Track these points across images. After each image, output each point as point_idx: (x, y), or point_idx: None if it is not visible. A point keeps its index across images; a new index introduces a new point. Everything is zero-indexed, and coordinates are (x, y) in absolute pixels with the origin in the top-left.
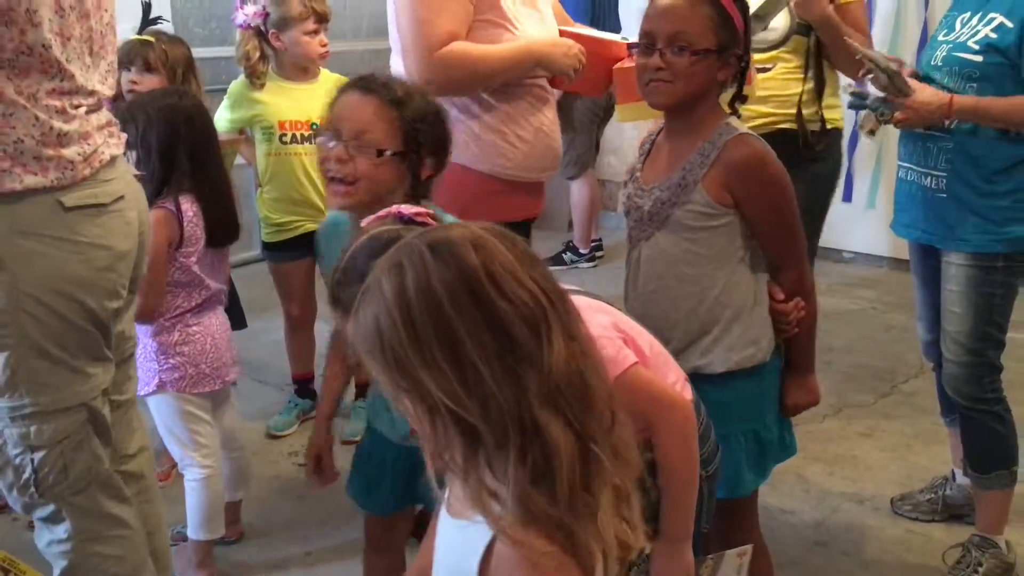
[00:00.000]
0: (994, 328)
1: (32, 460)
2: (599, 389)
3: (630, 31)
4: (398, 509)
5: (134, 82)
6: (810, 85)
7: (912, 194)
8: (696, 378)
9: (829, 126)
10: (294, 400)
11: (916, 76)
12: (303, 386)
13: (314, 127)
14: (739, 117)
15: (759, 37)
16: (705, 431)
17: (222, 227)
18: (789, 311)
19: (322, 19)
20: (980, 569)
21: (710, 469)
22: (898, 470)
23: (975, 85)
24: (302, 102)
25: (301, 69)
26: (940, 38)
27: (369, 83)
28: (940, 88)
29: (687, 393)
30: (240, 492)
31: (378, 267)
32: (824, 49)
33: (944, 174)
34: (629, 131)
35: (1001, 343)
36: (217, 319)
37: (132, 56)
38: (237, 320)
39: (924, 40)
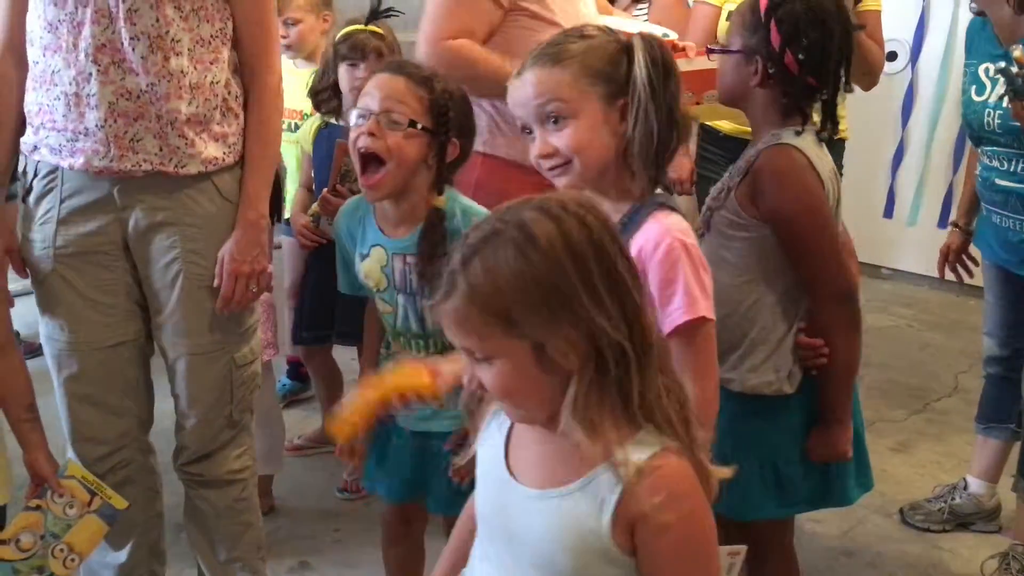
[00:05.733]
0: None
1: None
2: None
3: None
4: (409, 496)
5: (367, 79)
6: None
7: (1007, 238)
8: (722, 391)
9: (836, 136)
10: (282, 380)
11: None
12: (293, 369)
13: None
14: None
15: None
16: None
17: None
18: (804, 346)
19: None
20: None
21: None
22: (926, 486)
23: None
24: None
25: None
26: (975, 98)
27: (398, 64)
28: (1008, 152)
29: None
30: (272, 467)
31: (517, 217)
32: None
33: None
34: None
35: None
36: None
37: (365, 49)
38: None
39: None
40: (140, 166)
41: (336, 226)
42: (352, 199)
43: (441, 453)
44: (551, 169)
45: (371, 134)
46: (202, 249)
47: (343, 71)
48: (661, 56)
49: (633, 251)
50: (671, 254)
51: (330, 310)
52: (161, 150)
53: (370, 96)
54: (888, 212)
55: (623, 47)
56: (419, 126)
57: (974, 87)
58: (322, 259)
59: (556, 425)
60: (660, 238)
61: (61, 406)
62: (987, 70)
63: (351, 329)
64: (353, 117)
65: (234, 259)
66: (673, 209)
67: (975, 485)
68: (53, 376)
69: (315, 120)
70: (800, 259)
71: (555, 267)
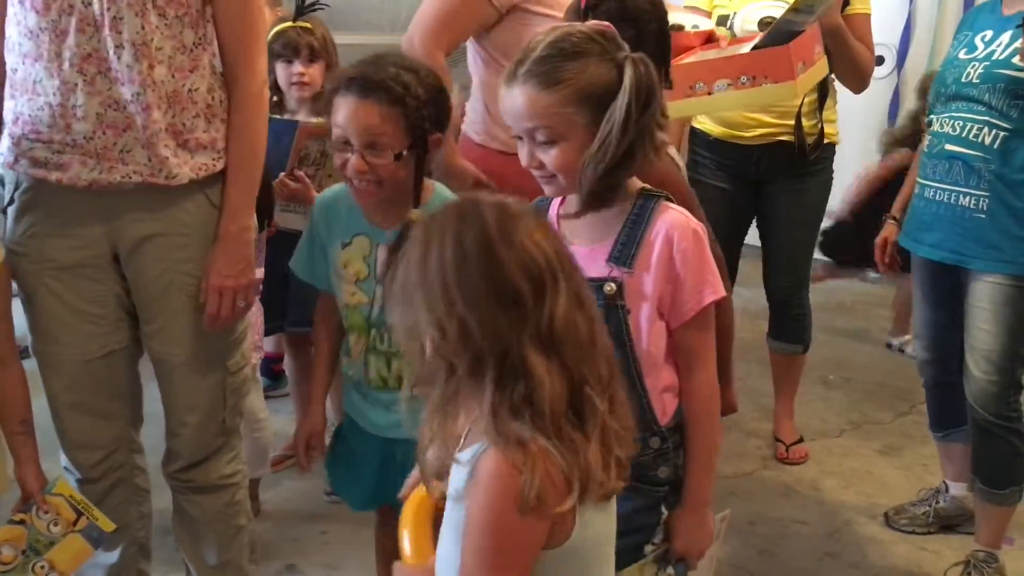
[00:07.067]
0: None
1: None
2: (602, 348)
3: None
4: (379, 504)
5: (302, 74)
6: (812, 96)
7: (939, 214)
8: None
9: (826, 140)
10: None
11: None
12: (266, 365)
13: None
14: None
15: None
16: None
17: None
18: None
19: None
20: None
21: None
22: (912, 487)
23: (1021, 102)
24: None
25: None
26: (962, 56)
27: (366, 84)
28: (981, 106)
29: None
30: (259, 470)
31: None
32: (829, 59)
33: (986, 194)
34: None
35: None
36: None
37: (298, 45)
38: None
39: None
40: (130, 178)
41: (313, 212)
42: (334, 188)
43: (408, 460)
44: (540, 177)
45: (360, 171)
46: (193, 259)
47: (279, 68)
48: (647, 83)
49: (658, 237)
50: (699, 240)
51: (282, 300)
52: (150, 160)
53: (345, 128)
54: None
55: (618, 68)
56: (404, 153)
57: (964, 49)
58: (272, 249)
59: None
60: (685, 224)
61: (53, 415)
62: (984, 36)
63: (303, 316)
64: (333, 139)
65: (219, 274)
66: (672, 201)
67: (955, 488)
68: (44, 386)
69: None
70: None
71: (409, 274)
